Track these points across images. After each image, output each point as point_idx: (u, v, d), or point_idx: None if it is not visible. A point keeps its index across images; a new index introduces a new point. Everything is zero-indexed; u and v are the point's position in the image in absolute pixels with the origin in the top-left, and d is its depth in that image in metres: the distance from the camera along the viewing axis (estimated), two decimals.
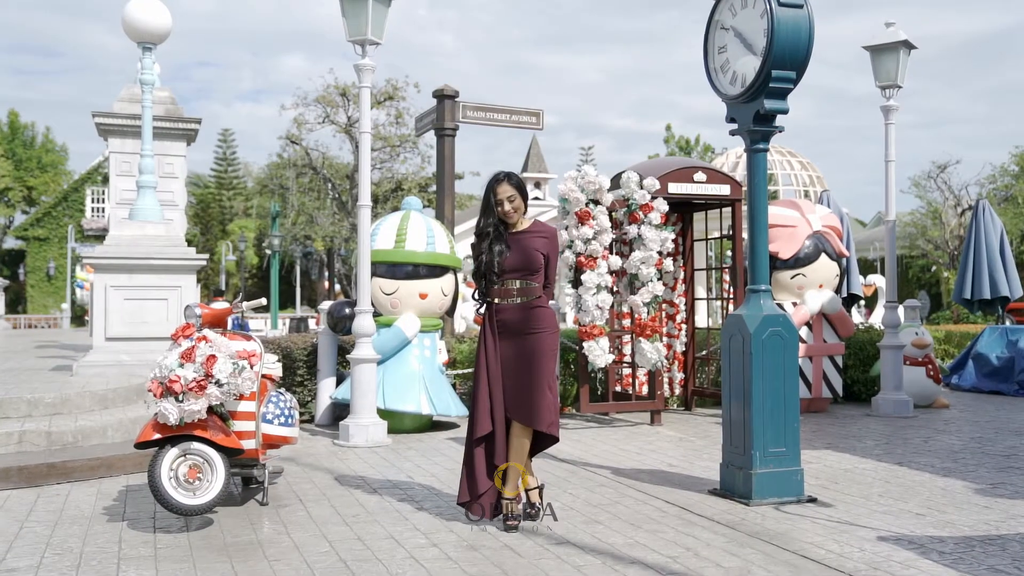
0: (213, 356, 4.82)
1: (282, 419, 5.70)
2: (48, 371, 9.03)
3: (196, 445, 4.91)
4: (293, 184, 33.13)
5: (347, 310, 8.55)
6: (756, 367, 5.56)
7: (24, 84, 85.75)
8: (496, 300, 4.90)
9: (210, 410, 4.96)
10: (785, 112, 5.61)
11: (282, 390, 5.92)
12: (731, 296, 9.54)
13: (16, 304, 49.06)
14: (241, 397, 5.13)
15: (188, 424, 4.83)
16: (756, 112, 5.62)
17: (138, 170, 8.83)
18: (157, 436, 4.82)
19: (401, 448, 7.60)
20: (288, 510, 5.36)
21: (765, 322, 5.61)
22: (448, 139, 9.81)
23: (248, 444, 5.20)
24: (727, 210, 9.77)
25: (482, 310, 5.02)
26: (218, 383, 4.82)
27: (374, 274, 8.55)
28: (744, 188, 9.95)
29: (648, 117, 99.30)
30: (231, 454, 5.06)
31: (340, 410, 8.74)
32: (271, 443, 5.74)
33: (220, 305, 22.65)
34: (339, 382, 8.87)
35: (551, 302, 4.83)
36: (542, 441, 5.00)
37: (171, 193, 11.56)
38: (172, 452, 4.84)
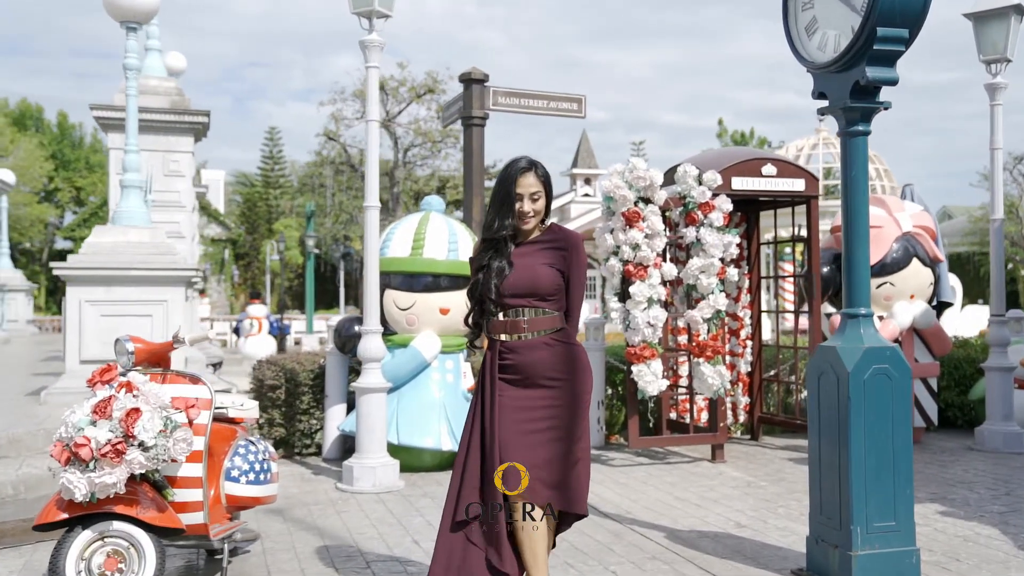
0: (136, 410, 3.65)
1: (251, 476, 4.57)
2: (23, 396, 8.00)
3: (118, 525, 3.74)
4: (331, 182, 32.09)
5: (356, 327, 7.37)
6: (856, 416, 4.25)
7: (82, 87, 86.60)
8: (500, 336, 3.66)
9: (140, 478, 3.80)
10: (894, 83, 4.30)
11: (255, 437, 4.76)
12: (806, 309, 8.19)
13: None
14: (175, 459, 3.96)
15: (105, 499, 3.67)
16: (855, 84, 4.31)
17: (121, 167, 7.75)
18: (64, 516, 3.66)
19: (414, 495, 6.39)
20: None
21: (868, 357, 4.30)
22: (476, 129, 8.58)
23: (192, 519, 4.02)
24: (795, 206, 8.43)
25: (478, 348, 3.79)
26: (143, 446, 3.65)
27: (387, 286, 7.37)
28: (822, 182, 8.59)
29: (699, 112, 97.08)
30: (168, 534, 3.90)
31: (351, 442, 7.57)
32: (240, 505, 4.60)
33: (256, 310, 21.59)
34: (350, 409, 7.70)
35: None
36: (564, 521, 3.73)
37: (177, 193, 10.56)
38: (83, 536, 3.68)
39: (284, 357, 8.18)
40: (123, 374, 3.93)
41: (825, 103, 4.57)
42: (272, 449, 4.90)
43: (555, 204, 37.24)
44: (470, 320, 3.77)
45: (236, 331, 28.63)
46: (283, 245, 28.01)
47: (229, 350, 26.26)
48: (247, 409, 4.90)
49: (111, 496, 3.65)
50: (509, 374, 3.59)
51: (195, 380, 4.12)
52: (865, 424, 4.26)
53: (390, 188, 30.13)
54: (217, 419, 4.67)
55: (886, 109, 4.42)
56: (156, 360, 4.18)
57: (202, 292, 40.66)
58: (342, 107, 29.66)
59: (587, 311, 27.11)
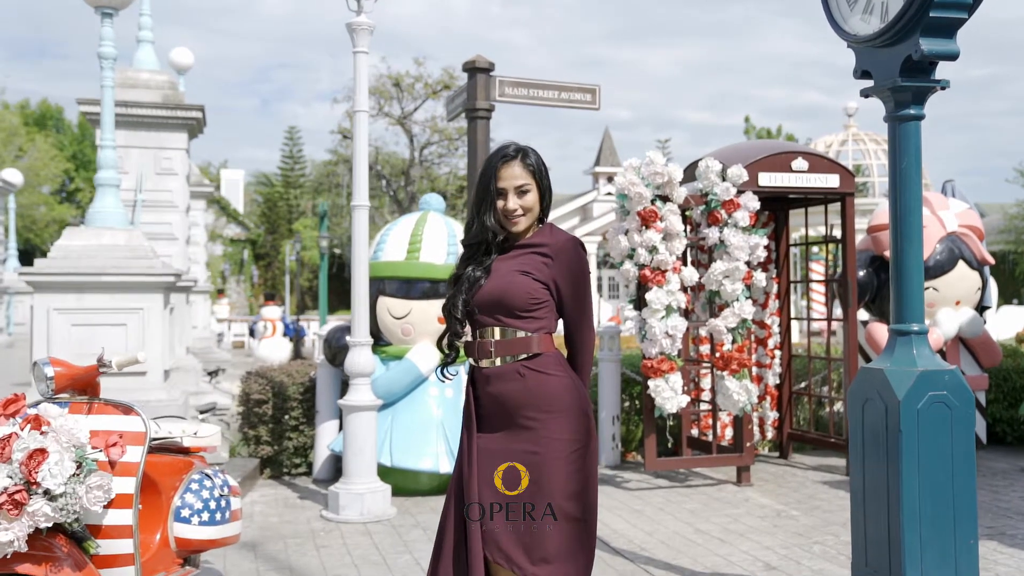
0: (41, 451, 3.04)
1: (205, 516, 3.96)
2: None
3: None
4: (346, 181, 31.49)
5: (348, 338, 6.76)
6: (908, 454, 3.58)
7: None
8: (475, 363, 3.03)
9: (53, 529, 3.19)
10: (954, 57, 3.62)
11: (213, 470, 4.14)
12: (839, 317, 7.48)
13: None
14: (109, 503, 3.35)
15: (4, 558, 3.07)
16: (906, 59, 3.64)
17: (97, 164, 7.18)
18: None
19: (405, 525, 5.77)
20: None
21: (922, 382, 3.62)
22: (481, 122, 7.91)
23: (121, 575, 3.41)
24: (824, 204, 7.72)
25: (453, 374, 3.15)
26: (49, 494, 3.04)
27: (381, 292, 6.78)
28: (858, 178, 7.81)
29: (725, 110, 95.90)
30: None
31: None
32: (193, 549, 3.99)
33: (271, 312, 20.98)
34: (343, 426, 7.09)
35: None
36: None
37: (169, 192, 10.00)
38: None
39: (272, 369, 7.59)
40: (36, 404, 3.32)
41: (869, 83, 3.91)
42: (233, 482, 4.29)
43: (577, 203, 36.47)
44: (443, 342, 3.14)
45: (252, 333, 28.17)
46: (299, 246, 27.51)
47: (244, 353, 25.82)
48: (203, 437, 4.30)
49: (9, 555, 3.04)
50: (486, 411, 2.96)
51: (127, 410, 3.51)
52: (920, 462, 3.58)
53: (406, 187, 29.58)
54: (167, 449, 4.10)
55: (943, 88, 3.75)
56: (82, 386, 3.58)
57: (220, 292, 40.34)
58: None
59: (604, 317, 26.38)
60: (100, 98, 9.14)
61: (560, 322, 3.09)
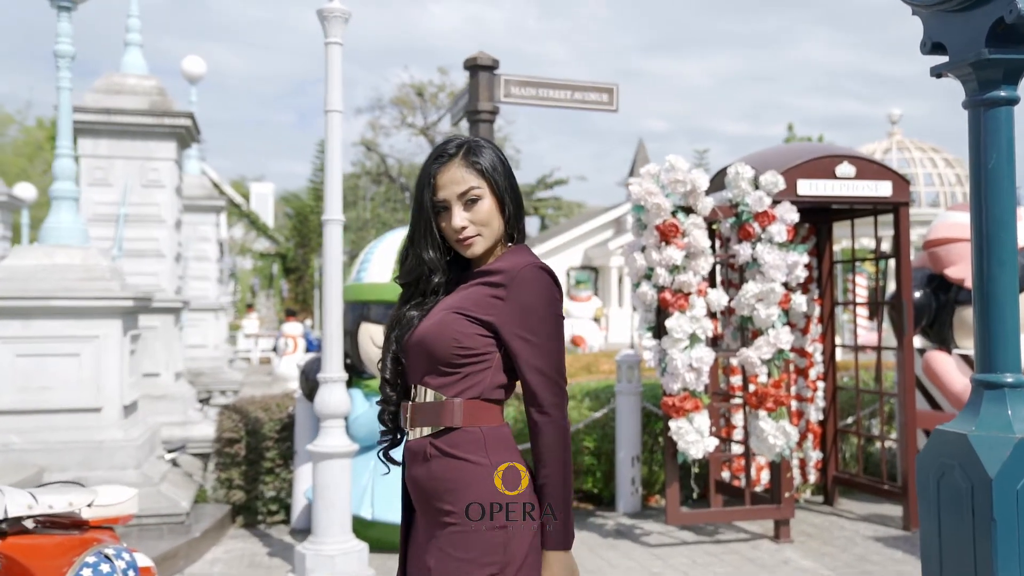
0: None
1: None
2: None
3: None
4: (369, 194, 30.78)
5: (319, 373, 5.94)
6: (1005, 550, 2.66)
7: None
8: (407, 433, 2.16)
9: None
10: None
11: (116, 548, 3.35)
12: (894, 346, 6.52)
13: None
14: None
15: None
16: (996, 23, 2.74)
17: (52, 174, 6.44)
18: None
19: None
20: None
21: (1022, 453, 2.71)
22: (484, 125, 7.09)
23: None
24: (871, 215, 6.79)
25: (399, 462, 2.26)
26: None
27: (364, 318, 5.95)
28: (909, 185, 6.79)
29: (763, 121, 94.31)
30: None
31: None
32: None
33: (292, 328, 20.25)
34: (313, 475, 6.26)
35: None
36: None
37: (156, 206, 9.25)
38: None
39: (249, 403, 6.77)
40: None
41: (943, 58, 3.00)
42: (146, 561, 3.51)
43: (611, 216, 35.39)
44: (384, 416, 2.25)
45: (275, 349, 27.58)
46: (322, 260, 26.89)
47: (266, 371, 25.16)
48: (106, 507, 3.50)
49: None
50: (414, 499, 2.13)
51: None
52: (1021, 561, 2.67)
53: None
54: (57, 524, 3.32)
55: None
56: None
57: (250, 307, 39.78)
58: (380, 115, 28.41)
59: (635, 331, 25.34)
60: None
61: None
